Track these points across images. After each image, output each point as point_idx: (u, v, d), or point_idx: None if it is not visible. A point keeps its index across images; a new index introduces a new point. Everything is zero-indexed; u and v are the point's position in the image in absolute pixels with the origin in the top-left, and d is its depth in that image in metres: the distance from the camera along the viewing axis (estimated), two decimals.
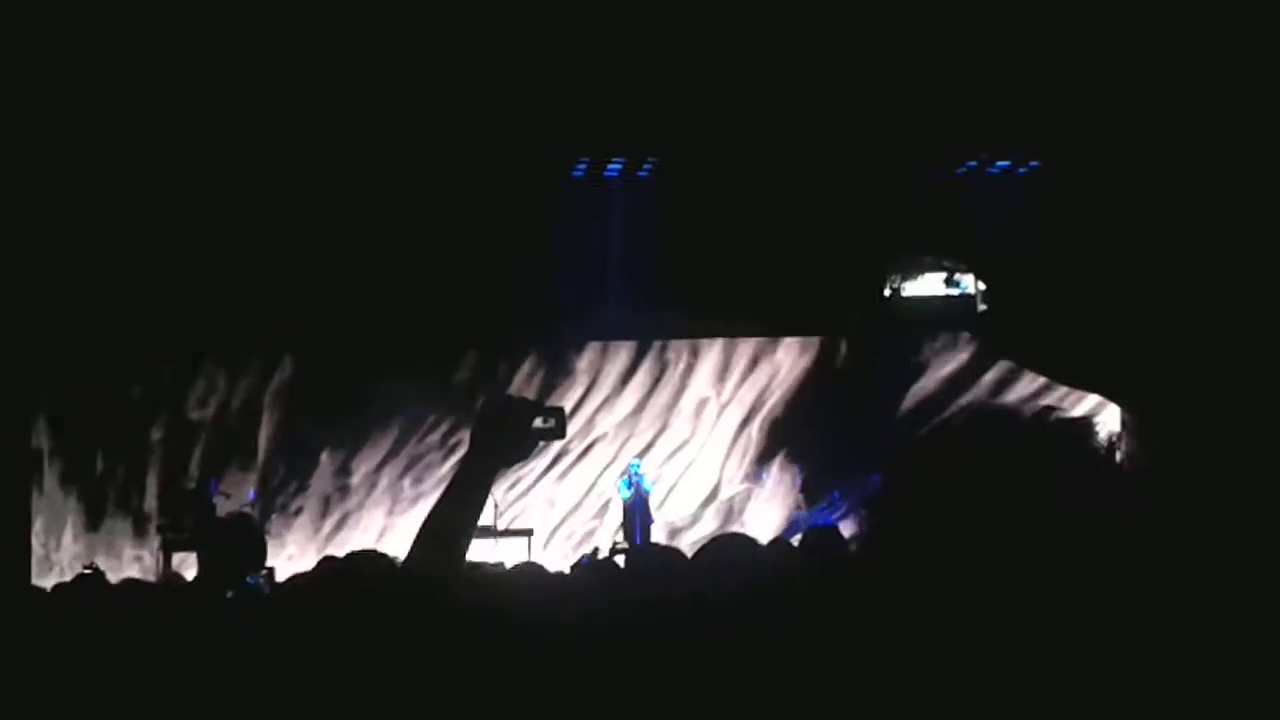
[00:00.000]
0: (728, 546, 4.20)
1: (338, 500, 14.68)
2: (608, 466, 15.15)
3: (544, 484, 15.08)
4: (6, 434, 12.71)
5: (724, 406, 15.58)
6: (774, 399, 15.52)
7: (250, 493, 13.79)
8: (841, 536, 6.29)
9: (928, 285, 14.45)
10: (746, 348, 15.49)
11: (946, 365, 15.03)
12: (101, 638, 3.52)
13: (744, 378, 15.56)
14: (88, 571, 8.99)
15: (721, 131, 12.60)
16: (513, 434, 2.46)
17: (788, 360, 15.52)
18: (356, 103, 11.80)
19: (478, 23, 11.12)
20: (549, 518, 15.16)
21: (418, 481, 14.45)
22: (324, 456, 14.54)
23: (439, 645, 2.30)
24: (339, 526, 14.69)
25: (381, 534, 14.42)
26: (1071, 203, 13.22)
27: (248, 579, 3.86)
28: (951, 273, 14.18)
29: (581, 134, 12.99)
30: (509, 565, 5.10)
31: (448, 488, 2.43)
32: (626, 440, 15.32)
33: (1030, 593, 0.89)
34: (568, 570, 5.86)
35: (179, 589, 5.63)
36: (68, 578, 13.31)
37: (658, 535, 14.81)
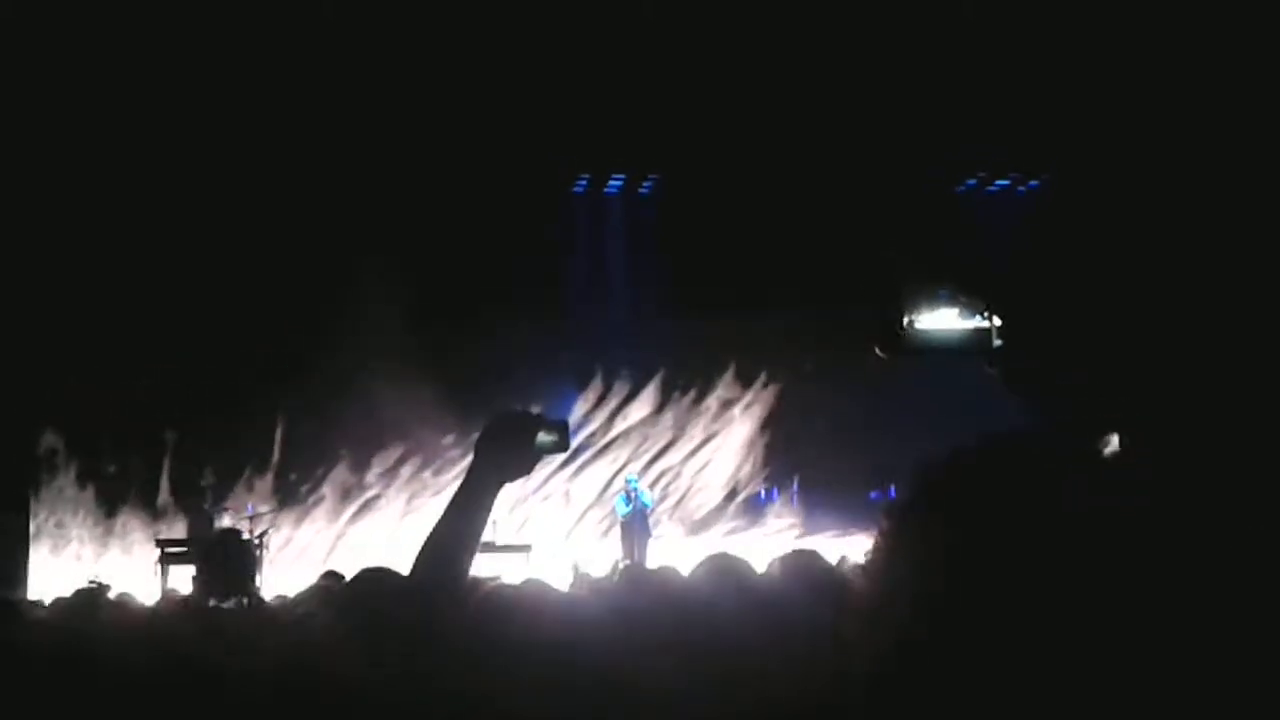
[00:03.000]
0: (721, 570, 4.13)
1: (358, 490, 14.82)
2: (625, 465, 15.17)
3: (558, 479, 15.12)
4: (12, 435, 12.85)
5: (747, 406, 15.54)
6: (796, 400, 15.45)
7: (249, 506, 13.77)
8: (820, 556, 6.21)
9: (944, 318, 14.34)
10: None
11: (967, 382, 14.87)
12: (95, 655, 3.48)
13: (769, 380, 15.46)
14: (93, 585, 8.94)
15: (722, 149, 12.62)
16: (516, 449, 2.42)
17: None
18: (362, 119, 11.87)
19: (482, 38, 11.17)
20: (564, 514, 15.22)
21: (439, 473, 14.47)
22: (342, 453, 14.68)
23: (441, 661, 2.27)
24: (363, 510, 14.86)
25: (403, 517, 14.54)
26: (1072, 224, 13.22)
27: (225, 603, 3.82)
28: (966, 306, 14.12)
29: (583, 150, 13.04)
30: (508, 580, 5.06)
31: (451, 502, 2.41)
32: (648, 437, 15.32)
33: (1029, 592, 0.86)
34: (567, 588, 5.81)
35: (174, 605, 5.59)
36: (85, 548, 13.67)
37: (677, 534, 14.97)
